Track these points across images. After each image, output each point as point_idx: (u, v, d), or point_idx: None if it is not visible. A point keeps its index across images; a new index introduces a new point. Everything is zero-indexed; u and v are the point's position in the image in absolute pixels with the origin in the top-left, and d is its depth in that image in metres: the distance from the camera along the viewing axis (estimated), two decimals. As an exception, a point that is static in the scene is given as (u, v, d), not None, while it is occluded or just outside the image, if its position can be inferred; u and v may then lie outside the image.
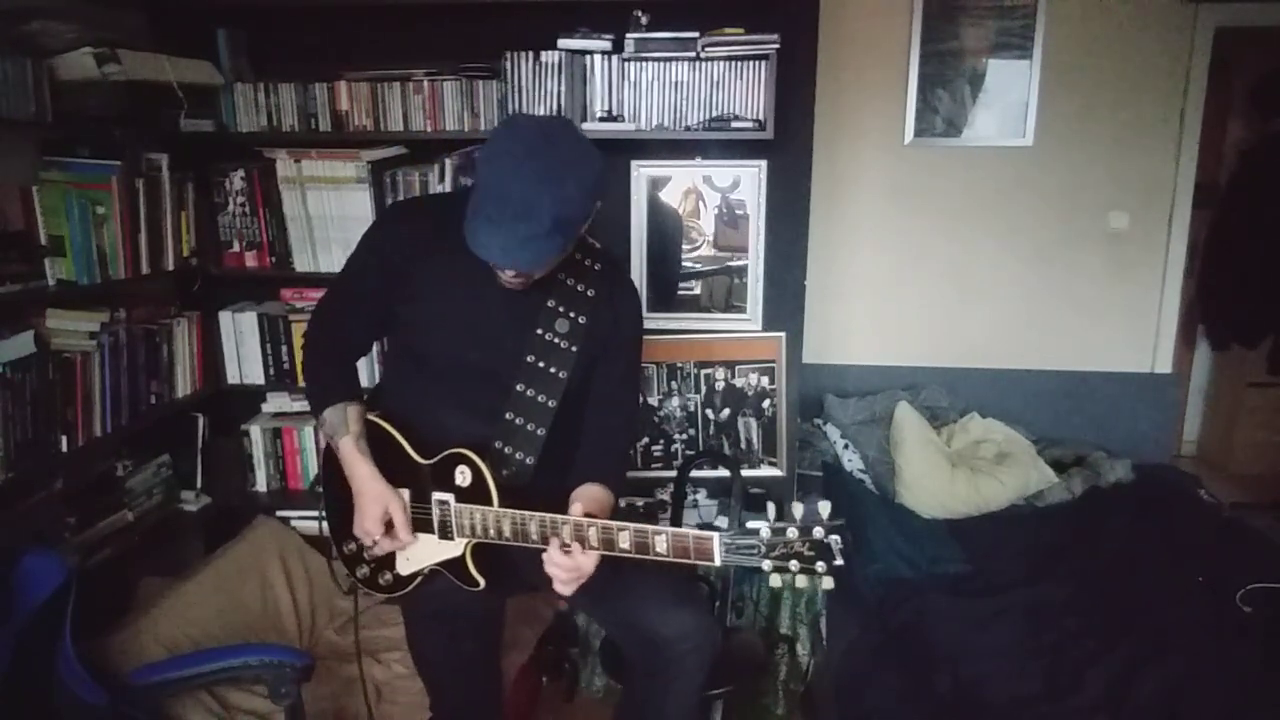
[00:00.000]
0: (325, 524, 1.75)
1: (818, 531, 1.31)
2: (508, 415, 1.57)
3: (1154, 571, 2.65)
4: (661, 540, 1.40)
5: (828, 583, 1.33)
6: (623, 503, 2.77)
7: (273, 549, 2.43)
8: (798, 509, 1.33)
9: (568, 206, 1.37)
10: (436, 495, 1.56)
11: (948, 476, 3.11)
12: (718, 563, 1.37)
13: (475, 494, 1.53)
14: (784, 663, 2.54)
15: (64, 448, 2.10)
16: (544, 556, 1.46)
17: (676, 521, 2.52)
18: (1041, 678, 2.22)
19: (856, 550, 2.73)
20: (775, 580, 1.35)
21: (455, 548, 1.56)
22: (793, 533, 1.32)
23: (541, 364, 1.57)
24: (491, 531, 1.51)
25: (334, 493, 1.69)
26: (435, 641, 1.80)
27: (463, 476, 1.54)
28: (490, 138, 1.43)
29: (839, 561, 1.31)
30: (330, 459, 1.69)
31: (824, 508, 1.33)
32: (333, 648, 2.37)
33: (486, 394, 1.57)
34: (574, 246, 1.54)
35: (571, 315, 1.58)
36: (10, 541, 1.76)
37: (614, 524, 1.43)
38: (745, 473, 2.74)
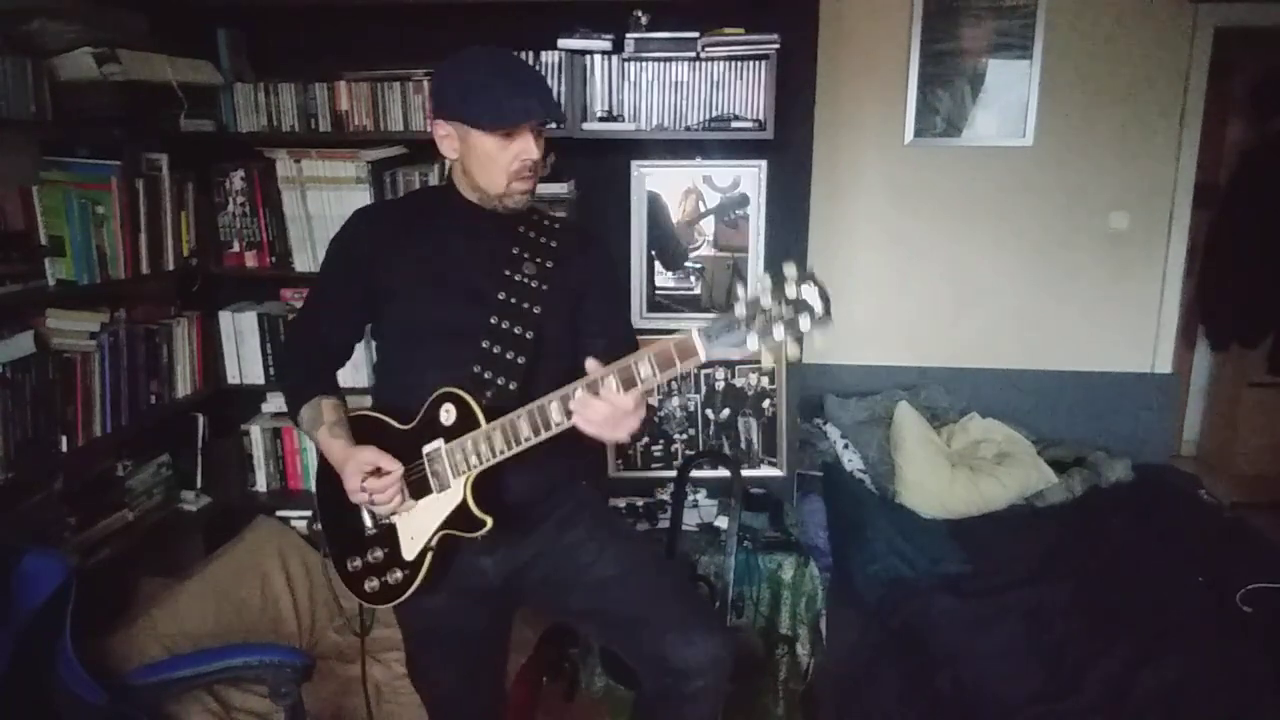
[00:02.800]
0: (329, 558, 1.71)
1: (790, 289, 1.23)
2: (484, 344, 1.56)
3: (1154, 571, 2.65)
4: (644, 364, 1.34)
5: (819, 341, 1.25)
6: (623, 502, 2.77)
7: (272, 549, 2.43)
8: (766, 279, 1.25)
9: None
10: (426, 449, 1.54)
11: (948, 477, 3.10)
12: (703, 356, 1.29)
13: (463, 426, 1.51)
14: (784, 663, 2.54)
15: (64, 448, 2.10)
16: (577, 420, 1.39)
17: (677, 522, 2.52)
18: (1041, 678, 2.22)
19: (857, 550, 2.73)
20: (767, 361, 1.27)
21: (455, 495, 1.53)
22: (766, 300, 1.24)
23: (514, 300, 1.58)
24: (484, 450, 1.48)
25: (330, 518, 1.69)
26: (434, 661, 1.75)
27: (448, 415, 1.52)
28: (444, 70, 1.55)
29: (820, 311, 1.22)
30: (321, 484, 1.70)
31: (788, 269, 1.24)
32: (333, 648, 2.37)
33: (463, 334, 1.57)
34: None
35: (537, 260, 1.61)
36: (10, 541, 1.76)
37: (595, 376, 1.37)
38: (745, 473, 2.74)
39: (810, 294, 1.22)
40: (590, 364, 1.38)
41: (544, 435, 1.43)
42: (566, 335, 1.63)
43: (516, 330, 1.56)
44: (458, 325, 1.57)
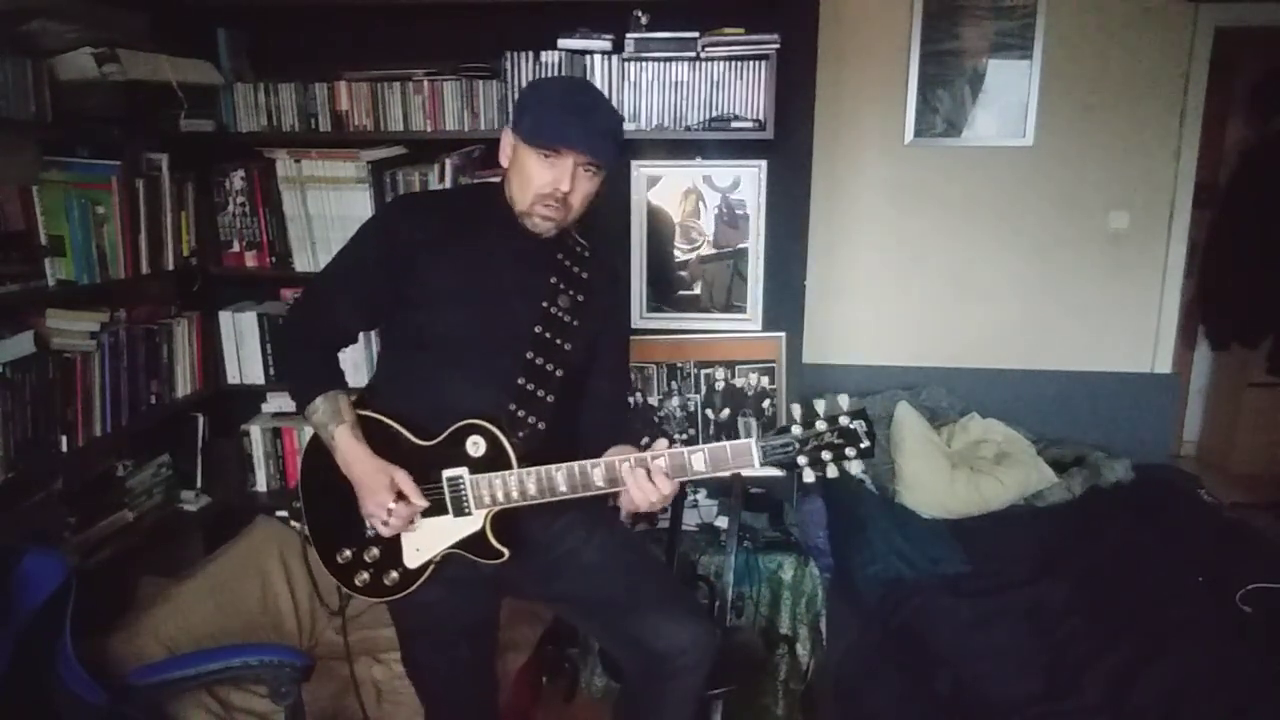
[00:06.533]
0: (310, 542, 1.68)
1: (844, 419, 1.40)
2: (520, 380, 1.57)
3: (1154, 571, 2.65)
4: (699, 458, 1.45)
5: (857, 467, 1.40)
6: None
7: (272, 549, 2.43)
8: (820, 405, 1.41)
9: (620, 122, 1.58)
10: (447, 473, 1.55)
11: (948, 476, 3.10)
12: (757, 466, 1.42)
13: (491, 462, 1.53)
14: (784, 663, 2.54)
15: (64, 448, 2.10)
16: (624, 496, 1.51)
17: (677, 522, 2.52)
18: (1041, 678, 2.21)
19: (857, 550, 2.73)
20: (809, 475, 1.42)
21: (474, 522, 1.55)
22: (821, 425, 1.41)
23: (549, 335, 1.60)
24: (515, 494, 1.51)
25: (320, 501, 1.67)
26: (427, 650, 1.77)
27: (476, 447, 1.53)
28: (529, 87, 1.61)
29: (865, 443, 1.39)
30: (310, 465, 1.67)
31: (843, 400, 1.42)
32: (333, 648, 2.37)
33: (498, 363, 1.57)
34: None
35: (571, 293, 1.64)
36: (10, 541, 1.76)
37: (648, 454, 1.46)
38: (745, 473, 2.74)
39: (860, 428, 1.40)
40: (660, 445, 1.48)
41: (579, 495, 1.50)
42: (585, 369, 1.68)
43: (549, 368, 1.59)
44: (494, 353, 1.58)
